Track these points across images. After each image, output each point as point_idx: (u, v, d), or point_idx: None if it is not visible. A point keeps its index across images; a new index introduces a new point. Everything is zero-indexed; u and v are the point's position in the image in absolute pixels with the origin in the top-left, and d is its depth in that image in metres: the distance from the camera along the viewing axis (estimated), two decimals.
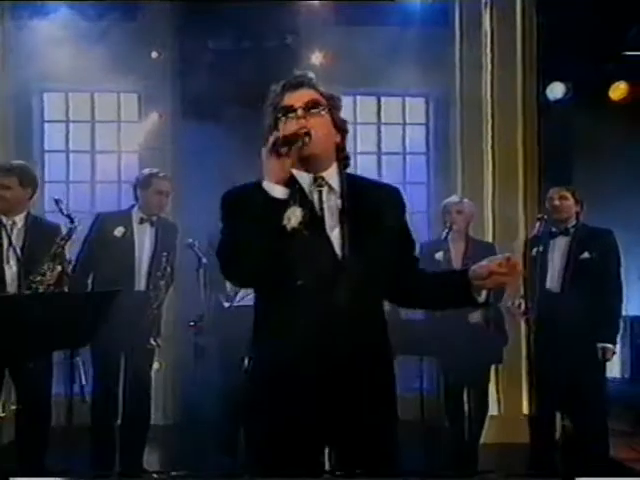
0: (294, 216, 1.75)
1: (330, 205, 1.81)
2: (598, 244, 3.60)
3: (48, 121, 5.25)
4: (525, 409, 4.58)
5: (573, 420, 3.70)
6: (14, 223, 3.27)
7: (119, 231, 3.59)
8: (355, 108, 5.44)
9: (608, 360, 3.51)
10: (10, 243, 3.18)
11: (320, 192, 1.80)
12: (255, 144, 5.42)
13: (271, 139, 1.73)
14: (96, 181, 5.26)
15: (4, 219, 3.26)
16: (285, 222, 1.73)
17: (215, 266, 1.80)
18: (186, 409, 4.40)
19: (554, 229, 3.67)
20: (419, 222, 5.11)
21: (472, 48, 4.80)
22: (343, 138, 1.89)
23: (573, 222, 3.68)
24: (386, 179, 5.45)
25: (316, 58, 5.15)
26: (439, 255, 3.70)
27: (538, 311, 3.63)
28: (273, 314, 1.82)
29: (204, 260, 3.31)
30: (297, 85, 1.86)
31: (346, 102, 5.29)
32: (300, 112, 1.80)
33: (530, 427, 4.05)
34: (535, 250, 3.64)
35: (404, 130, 5.48)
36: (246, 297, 3.24)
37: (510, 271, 1.74)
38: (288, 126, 1.79)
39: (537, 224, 3.56)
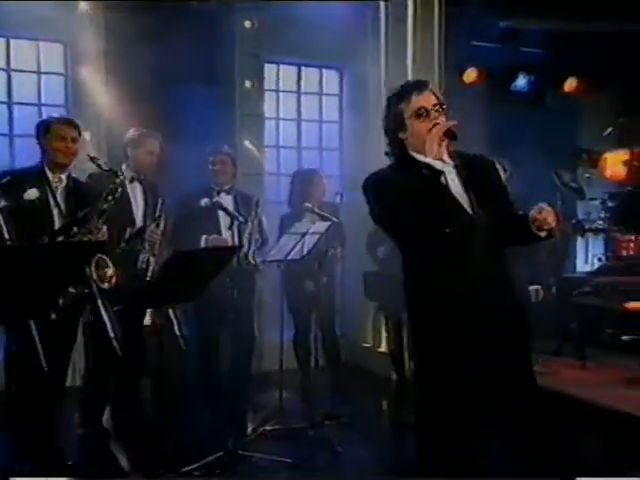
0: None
1: (452, 177, 2.37)
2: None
3: None
4: None
5: None
6: (60, 180, 3.22)
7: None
8: (278, 76, 5.69)
9: (539, 299, 4.28)
10: (55, 199, 3.16)
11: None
12: (180, 99, 5.39)
13: (441, 128, 2.28)
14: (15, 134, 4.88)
15: (51, 176, 3.20)
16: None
17: None
18: None
19: None
20: (333, 184, 5.60)
21: (398, 26, 5.34)
22: None
23: None
24: (304, 144, 5.86)
25: (244, 24, 5.32)
26: None
27: None
28: (428, 261, 2.34)
29: (241, 218, 3.47)
30: (423, 88, 2.37)
31: (270, 69, 5.57)
32: (434, 114, 2.33)
33: None
34: None
35: (321, 100, 5.87)
36: (275, 254, 3.48)
37: (546, 217, 2.32)
38: (424, 125, 2.31)
39: None
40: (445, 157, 2.34)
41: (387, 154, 2.44)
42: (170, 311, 2.64)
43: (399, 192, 2.24)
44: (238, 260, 3.46)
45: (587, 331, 5.57)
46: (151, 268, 3.52)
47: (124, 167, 3.70)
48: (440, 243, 2.28)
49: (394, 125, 2.35)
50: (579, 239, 6.66)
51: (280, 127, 5.71)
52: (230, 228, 3.67)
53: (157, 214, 3.64)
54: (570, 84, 7.39)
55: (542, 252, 5.75)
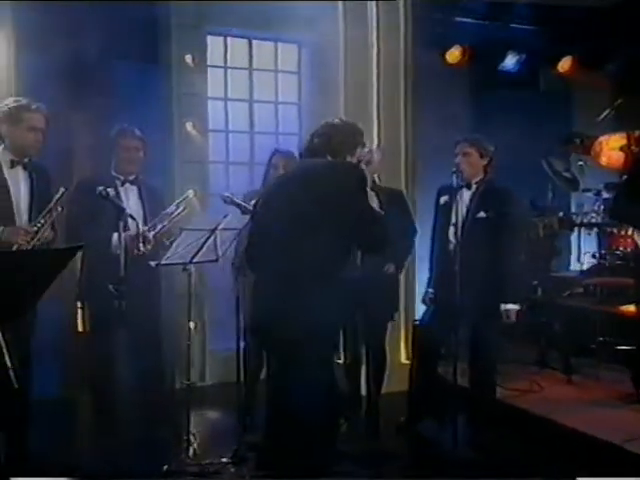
0: None
1: None
2: (496, 202, 3.56)
3: None
4: (403, 358, 4.73)
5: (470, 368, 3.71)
6: None
7: None
8: (226, 50, 5.04)
9: (512, 321, 3.52)
10: None
11: None
12: (108, 78, 4.69)
13: None
14: None
15: None
16: None
17: None
18: None
19: (461, 182, 3.58)
20: None
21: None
22: None
23: (479, 177, 3.63)
24: (258, 129, 5.21)
25: None
26: None
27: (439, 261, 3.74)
28: None
29: (127, 210, 2.82)
30: None
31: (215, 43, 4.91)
32: None
33: (411, 375, 3.89)
34: (443, 200, 3.69)
35: (276, 77, 5.22)
36: (173, 255, 2.85)
37: None
38: None
39: (453, 177, 3.54)
40: None
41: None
42: None
43: None
44: (126, 264, 2.81)
45: (575, 339, 4.92)
46: None
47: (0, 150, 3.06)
48: None
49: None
50: (574, 234, 5.99)
51: (229, 109, 5.06)
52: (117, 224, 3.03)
53: (52, 205, 2.97)
54: (564, 64, 6.71)
55: (524, 252, 5.09)
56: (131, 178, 3.45)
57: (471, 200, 3.60)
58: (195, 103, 4.71)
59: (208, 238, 2.91)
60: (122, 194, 3.41)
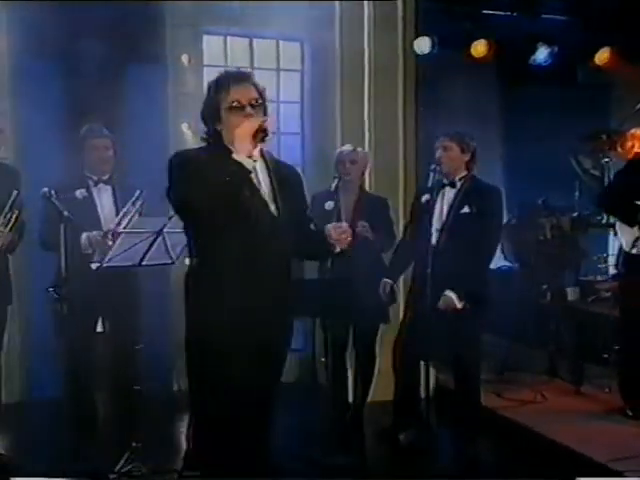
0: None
1: (264, 177, 2.32)
2: (480, 200, 3.40)
3: None
4: None
5: (455, 373, 3.59)
6: None
7: None
8: (226, 49, 5.00)
9: (443, 307, 3.30)
10: None
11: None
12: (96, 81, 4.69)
13: (251, 126, 2.17)
14: None
15: None
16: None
17: None
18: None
19: (444, 180, 3.45)
20: None
21: None
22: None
23: (462, 173, 3.46)
24: None
25: None
26: (328, 205, 3.52)
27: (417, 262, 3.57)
28: (218, 259, 2.34)
29: (65, 213, 2.82)
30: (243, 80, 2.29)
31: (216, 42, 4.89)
32: (249, 109, 2.24)
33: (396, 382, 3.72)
34: (424, 199, 3.51)
35: (278, 76, 5.15)
36: (115, 257, 2.82)
37: (340, 236, 2.32)
38: (237, 119, 2.22)
39: (430, 175, 3.38)
40: (256, 155, 2.25)
41: (202, 139, 2.40)
42: None
43: (204, 179, 2.14)
44: (67, 266, 2.79)
45: (587, 347, 4.61)
46: None
47: None
48: (237, 241, 2.22)
49: (210, 114, 2.33)
50: (597, 235, 5.66)
51: None
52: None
53: (7, 209, 3.02)
54: (602, 55, 6.33)
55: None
56: (105, 178, 3.45)
57: (455, 197, 3.44)
58: (191, 103, 4.68)
59: (155, 240, 2.86)
60: (95, 194, 3.42)
